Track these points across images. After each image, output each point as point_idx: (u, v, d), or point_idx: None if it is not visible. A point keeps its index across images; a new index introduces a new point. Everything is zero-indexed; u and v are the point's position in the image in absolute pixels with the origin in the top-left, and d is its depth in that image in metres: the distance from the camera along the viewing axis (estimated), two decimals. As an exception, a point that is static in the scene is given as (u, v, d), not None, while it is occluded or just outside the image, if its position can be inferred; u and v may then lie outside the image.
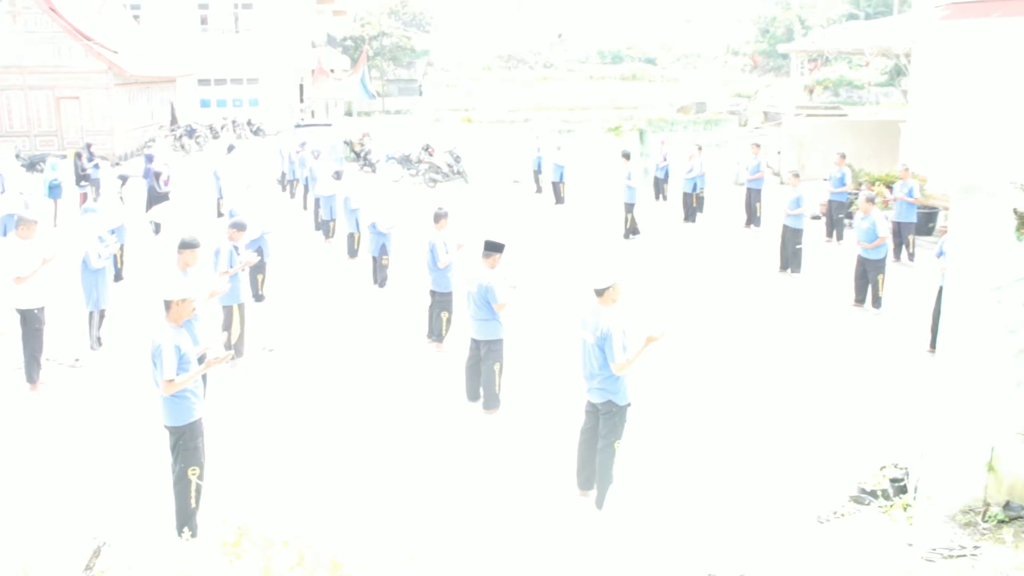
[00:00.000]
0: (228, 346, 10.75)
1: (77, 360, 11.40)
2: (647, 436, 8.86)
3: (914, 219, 17.13)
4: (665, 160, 24.40)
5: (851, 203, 19.42)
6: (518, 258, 14.74)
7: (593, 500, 7.67)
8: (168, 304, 6.95)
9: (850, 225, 18.03)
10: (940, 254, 11.76)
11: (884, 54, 28.55)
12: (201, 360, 7.57)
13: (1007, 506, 6.71)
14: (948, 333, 7.10)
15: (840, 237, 19.08)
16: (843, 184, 19.12)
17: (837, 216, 19.29)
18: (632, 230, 19.41)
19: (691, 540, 7.10)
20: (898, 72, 36.98)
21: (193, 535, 6.79)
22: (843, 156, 19.37)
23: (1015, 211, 6.57)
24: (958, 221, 7.10)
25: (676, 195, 22.84)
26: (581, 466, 7.84)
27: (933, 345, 10.51)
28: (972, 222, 6.91)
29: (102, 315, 12.03)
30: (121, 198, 17.87)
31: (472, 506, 7.72)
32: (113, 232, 13.63)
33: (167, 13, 45.10)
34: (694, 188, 21.53)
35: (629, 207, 19.36)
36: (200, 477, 7.02)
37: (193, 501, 6.97)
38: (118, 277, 14.93)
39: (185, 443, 6.96)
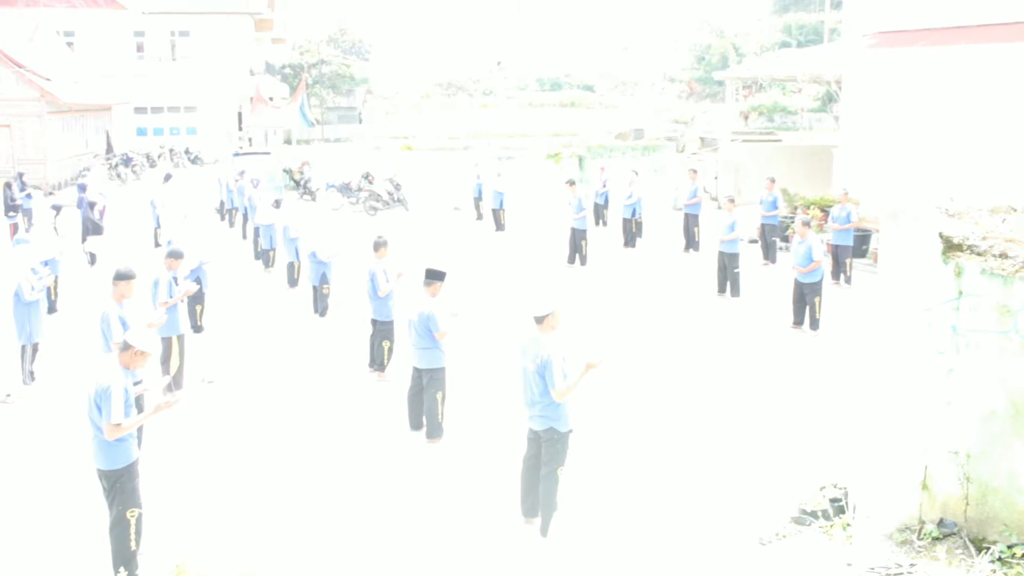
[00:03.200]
0: (171, 387, 10.49)
1: (8, 395, 11.11)
2: (590, 462, 8.89)
3: (850, 242, 17.49)
4: (604, 187, 24.63)
5: (786, 226, 19.83)
6: (459, 286, 14.74)
7: (538, 527, 7.67)
8: (128, 347, 6.84)
9: (786, 248, 18.36)
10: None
11: (816, 81, 29.26)
12: (138, 401, 7.43)
13: (941, 523, 6.84)
14: (880, 354, 7.26)
15: (773, 260, 19.42)
16: (775, 208, 19.54)
17: (771, 239, 19.65)
18: (584, 258, 19.50)
19: (635, 565, 7.13)
20: (830, 98, 37.82)
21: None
22: (773, 180, 19.81)
23: (941, 235, 6.76)
24: (888, 244, 7.28)
25: (616, 221, 23.04)
26: (525, 494, 7.84)
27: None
28: (901, 245, 7.08)
29: (35, 349, 11.75)
30: (55, 228, 17.54)
31: (417, 536, 7.67)
32: (46, 263, 13.35)
33: (102, 40, 44.48)
34: (633, 214, 21.78)
35: (581, 234, 19.44)
36: (140, 519, 6.85)
37: (133, 543, 6.79)
38: (52, 310, 14.60)
39: (123, 486, 6.79)
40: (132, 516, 6.80)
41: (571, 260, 19.49)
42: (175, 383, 10.89)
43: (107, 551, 6.85)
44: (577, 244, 19.50)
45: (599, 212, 24.75)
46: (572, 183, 19.99)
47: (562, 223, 19.97)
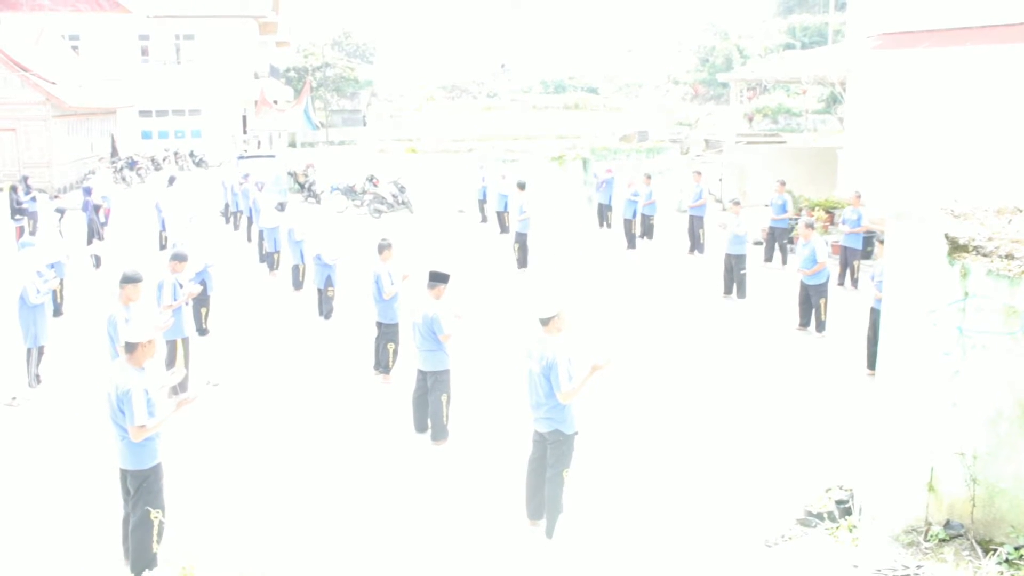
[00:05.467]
0: (176, 391, 10.47)
1: (14, 398, 11.12)
2: (595, 464, 8.88)
3: (860, 245, 17.39)
4: (610, 188, 24.58)
5: (791, 228, 19.82)
6: (464, 288, 14.75)
7: (543, 529, 7.66)
8: (133, 347, 6.83)
9: (793, 251, 18.35)
10: (873, 277, 12.06)
11: (820, 82, 29.17)
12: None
13: (947, 525, 6.82)
14: (886, 356, 7.24)
15: (784, 261, 19.41)
16: (784, 211, 19.51)
17: (781, 241, 19.63)
18: (521, 261, 19.35)
19: (641, 567, 7.12)
20: (834, 100, 37.79)
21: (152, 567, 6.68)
22: (783, 183, 19.76)
23: (947, 236, 6.74)
24: (893, 246, 7.27)
25: (619, 223, 22.99)
26: (530, 496, 7.83)
27: (871, 366, 10.90)
28: (906, 247, 7.07)
29: (41, 352, 11.76)
30: (60, 232, 17.57)
31: (423, 538, 7.67)
32: (52, 266, 13.37)
33: (107, 44, 44.57)
34: (633, 215, 21.77)
35: (521, 237, 19.34)
36: (162, 521, 6.88)
37: (155, 544, 6.85)
38: (57, 312, 14.62)
39: (149, 486, 6.86)
40: (155, 517, 6.84)
41: (521, 264, 19.41)
42: (180, 387, 10.89)
43: (116, 550, 6.88)
44: (521, 246, 19.37)
45: (603, 214, 24.76)
46: (522, 186, 19.87)
47: (562, 224, 19.90)
